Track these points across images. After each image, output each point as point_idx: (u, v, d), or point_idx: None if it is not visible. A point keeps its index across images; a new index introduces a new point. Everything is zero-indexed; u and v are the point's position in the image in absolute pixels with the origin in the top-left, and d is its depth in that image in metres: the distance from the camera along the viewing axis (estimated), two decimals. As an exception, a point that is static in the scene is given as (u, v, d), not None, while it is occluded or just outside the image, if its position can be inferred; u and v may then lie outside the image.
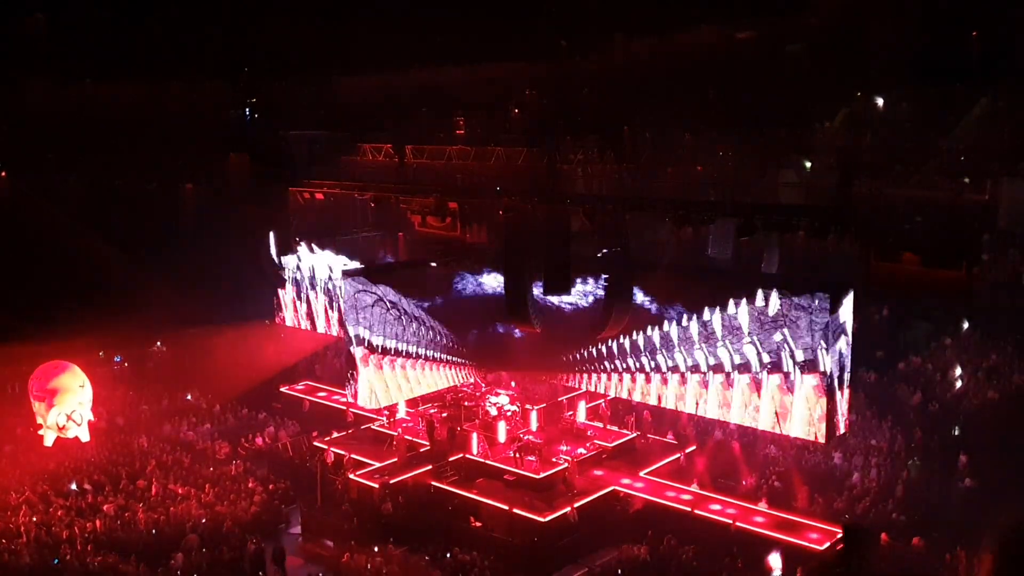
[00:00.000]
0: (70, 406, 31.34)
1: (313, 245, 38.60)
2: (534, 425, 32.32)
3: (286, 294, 39.13)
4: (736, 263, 27.76)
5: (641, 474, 29.73)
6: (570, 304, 30.88)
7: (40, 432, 31.49)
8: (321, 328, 37.67)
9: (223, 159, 43.22)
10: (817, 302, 25.43)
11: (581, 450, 30.68)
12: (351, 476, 30.21)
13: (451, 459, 30.80)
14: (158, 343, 42.11)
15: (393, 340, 31.76)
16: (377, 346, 31.30)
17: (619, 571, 24.85)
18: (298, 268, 38.24)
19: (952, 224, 23.98)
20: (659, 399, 29.59)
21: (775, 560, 23.89)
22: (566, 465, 29.30)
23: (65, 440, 31.36)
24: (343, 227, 38.35)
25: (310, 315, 38.41)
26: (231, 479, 30.25)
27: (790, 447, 29.34)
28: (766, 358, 26.41)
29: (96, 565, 24.76)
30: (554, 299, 30.26)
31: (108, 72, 48.19)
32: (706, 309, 27.51)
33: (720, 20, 44.06)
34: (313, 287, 37.84)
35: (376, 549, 25.76)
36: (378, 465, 30.73)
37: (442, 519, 27.87)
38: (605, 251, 27.26)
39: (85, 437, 31.75)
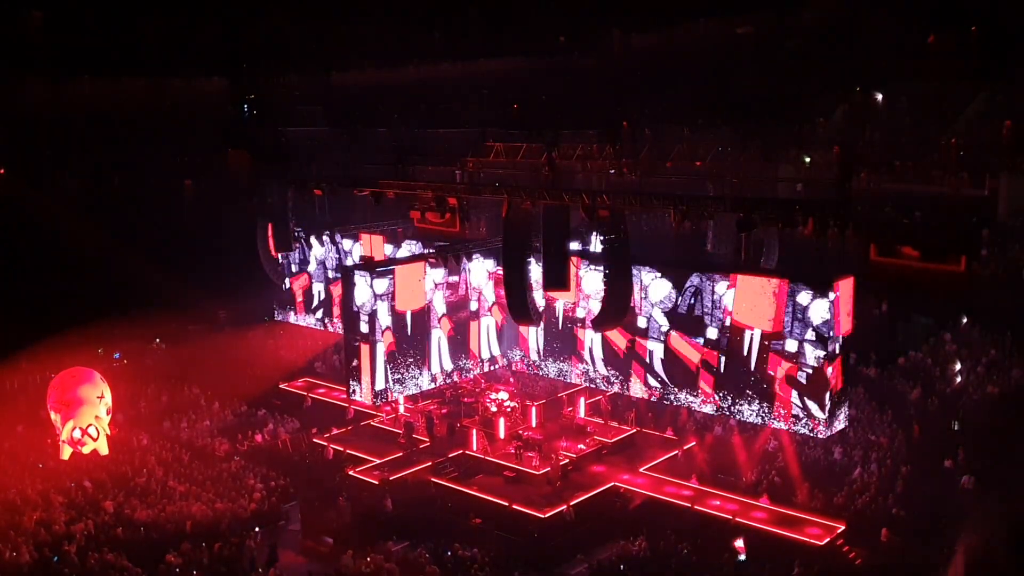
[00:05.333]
0: (86, 420, 30.88)
1: (312, 239, 38.58)
2: (534, 421, 32.34)
3: (296, 287, 39.20)
4: (736, 258, 27.80)
5: (641, 470, 29.74)
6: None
7: (60, 443, 31.13)
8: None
9: (222, 155, 43.11)
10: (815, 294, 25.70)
11: (572, 452, 30.68)
12: (351, 472, 30.22)
13: (451, 455, 30.82)
14: (157, 340, 42.08)
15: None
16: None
17: (621, 567, 24.83)
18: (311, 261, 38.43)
19: (951, 218, 23.93)
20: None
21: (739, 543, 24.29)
22: (547, 469, 29.35)
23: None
24: (344, 223, 38.34)
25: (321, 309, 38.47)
26: (231, 476, 30.22)
27: (790, 442, 29.34)
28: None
29: (96, 562, 24.75)
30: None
31: (106, 69, 48.14)
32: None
33: (719, 15, 44.06)
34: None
35: (376, 546, 25.74)
36: (378, 461, 30.77)
37: (442, 515, 27.85)
38: (605, 246, 27.25)
39: (104, 451, 31.20)
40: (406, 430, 32.32)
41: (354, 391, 31.31)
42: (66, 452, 30.87)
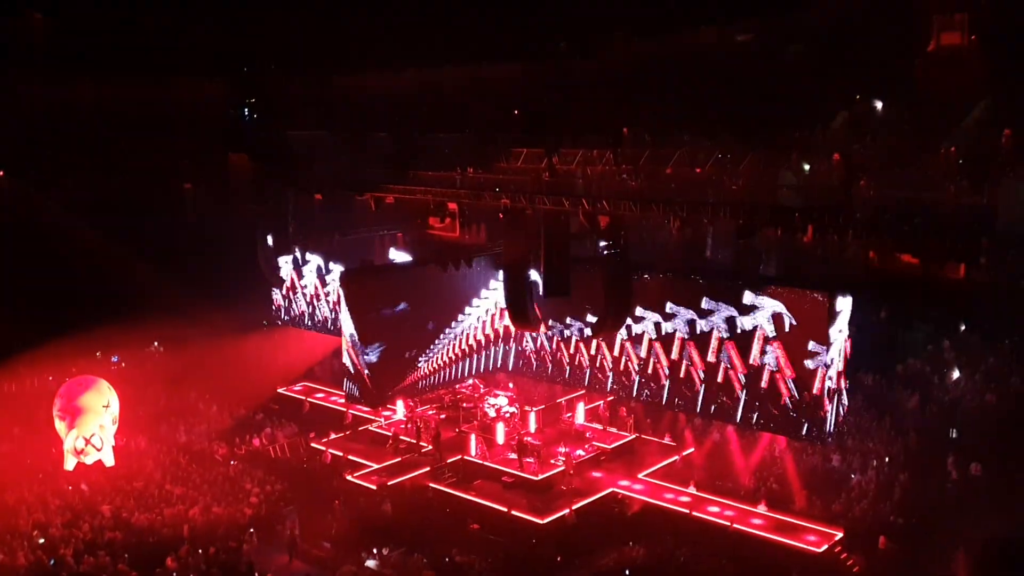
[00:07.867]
0: (89, 429, 30.42)
1: (310, 243, 38.59)
2: (533, 426, 32.30)
3: (296, 291, 39.15)
4: (735, 265, 27.82)
5: (639, 476, 29.70)
6: None
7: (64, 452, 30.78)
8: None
9: (222, 159, 43.15)
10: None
11: (580, 452, 30.65)
12: (349, 477, 30.16)
13: (449, 461, 30.75)
14: (155, 343, 42.02)
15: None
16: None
17: (626, 571, 24.73)
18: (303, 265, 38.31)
19: (951, 226, 23.94)
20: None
21: None
22: (562, 467, 29.33)
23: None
24: (344, 227, 38.33)
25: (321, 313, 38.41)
26: (228, 480, 30.15)
27: (788, 449, 29.32)
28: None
29: (92, 566, 24.67)
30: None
31: (107, 71, 48.07)
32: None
33: (720, 21, 44.00)
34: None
35: (374, 551, 25.68)
36: (376, 467, 30.70)
37: (440, 521, 27.79)
38: (604, 251, 27.22)
39: (109, 461, 30.68)
40: (394, 436, 32.30)
41: (352, 394, 31.29)
42: (70, 462, 30.49)
